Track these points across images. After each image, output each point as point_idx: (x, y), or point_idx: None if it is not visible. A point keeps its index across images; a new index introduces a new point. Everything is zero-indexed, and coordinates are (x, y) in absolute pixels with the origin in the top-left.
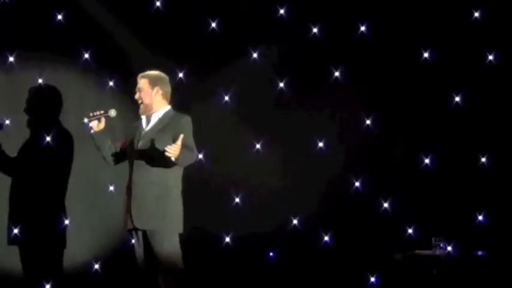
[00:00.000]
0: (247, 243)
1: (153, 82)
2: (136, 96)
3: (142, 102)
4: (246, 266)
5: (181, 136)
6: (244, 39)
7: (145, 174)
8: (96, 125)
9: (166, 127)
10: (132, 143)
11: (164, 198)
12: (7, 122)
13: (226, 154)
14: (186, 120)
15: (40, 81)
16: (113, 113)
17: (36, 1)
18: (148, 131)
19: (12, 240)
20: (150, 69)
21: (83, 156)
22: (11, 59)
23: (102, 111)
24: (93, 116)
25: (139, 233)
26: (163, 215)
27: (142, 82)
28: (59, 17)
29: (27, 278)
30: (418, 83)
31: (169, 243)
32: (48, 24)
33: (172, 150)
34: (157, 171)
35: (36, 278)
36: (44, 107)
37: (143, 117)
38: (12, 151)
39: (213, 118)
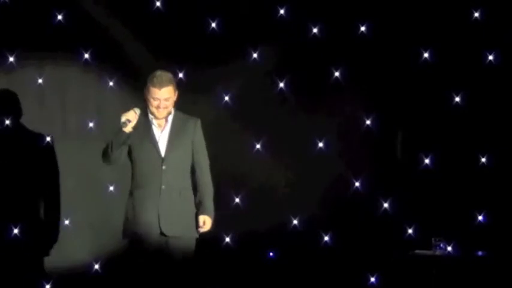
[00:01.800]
0: (247, 243)
1: (175, 86)
2: (163, 105)
3: (166, 108)
4: (246, 266)
5: (206, 221)
6: (244, 39)
7: (177, 180)
8: (126, 127)
9: (183, 131)
10: (145, 145)
11: (192, 203)
12: (7, 122)
13: (226, 154)
14: (199, 125)
15: (40, 81)
16: (137, 111)
17: (36, 1)
18: (167, 134)
19: None
20: (153, 70)
21: (83, 156)
22: (11, 59)
23: (134, 113)
24: (128, 120)
25: (156, 238)
26: (191, 220)
27: (169, 90)
28: (59, 17)
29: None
30: (418, 83)
31: (192, 247)
32: (48, 24)
33: (206, 229)
34: (186, 176)
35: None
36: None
37: (154, 119)
38: (12, 151)
39: (213, 118)
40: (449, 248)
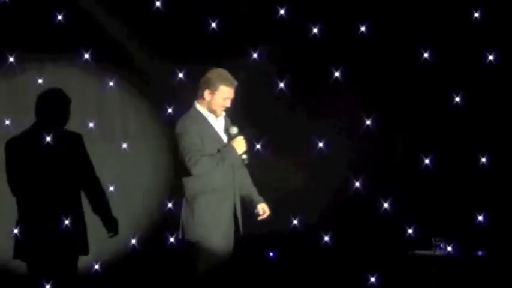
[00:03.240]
0: (247, 243)
1: None
2: (229, 104)
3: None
4: (246, 266)
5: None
6: (244, 39)
7: (245, 176)
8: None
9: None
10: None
11: None
12: (7, 122)
13: None
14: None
15: (40, 81)
16: (234, 130)
17: (36, 1)
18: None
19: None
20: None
21: None
22: (11, 59)
23: (243, 140)
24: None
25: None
26: None
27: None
28: (59, 17)
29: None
30: (418, 83)
31: None
32: (48, 24)
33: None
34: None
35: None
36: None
37: (212, 119)
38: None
39: None
40: (449, 248)
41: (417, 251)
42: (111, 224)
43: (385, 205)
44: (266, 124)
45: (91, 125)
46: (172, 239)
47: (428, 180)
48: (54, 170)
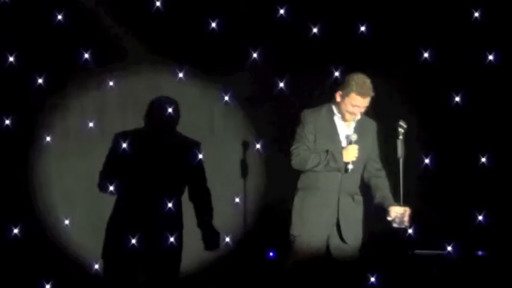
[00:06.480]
0: (247, 243)
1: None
2: (358, 112)
3: (358, 115)
4: (246, 266)
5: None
6: (244, 39)
7: (353, 184)
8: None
9: (365, 134)
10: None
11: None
12: (7, 122)
13: (225, 154)
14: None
15: (41, 81)
16: (354, 137)
17: (36, 1)
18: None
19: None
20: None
21: (83, 156)
22: (11, 59)
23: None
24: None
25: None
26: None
27: (370, 100)
28: (59, 17)
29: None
30: (418, 83)
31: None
32: (48, 24)
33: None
34: (359, 180)
35: None
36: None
37: (339, 119)
38: (11, 151)
39: (213, 118)
40: (449, 248)
41: (417, 251)
42: (212, 239)
43: None
44: (266, 124)
45: (91, 125)
46: (172, 239)
47: (428, 180)
48: (161, 174)
